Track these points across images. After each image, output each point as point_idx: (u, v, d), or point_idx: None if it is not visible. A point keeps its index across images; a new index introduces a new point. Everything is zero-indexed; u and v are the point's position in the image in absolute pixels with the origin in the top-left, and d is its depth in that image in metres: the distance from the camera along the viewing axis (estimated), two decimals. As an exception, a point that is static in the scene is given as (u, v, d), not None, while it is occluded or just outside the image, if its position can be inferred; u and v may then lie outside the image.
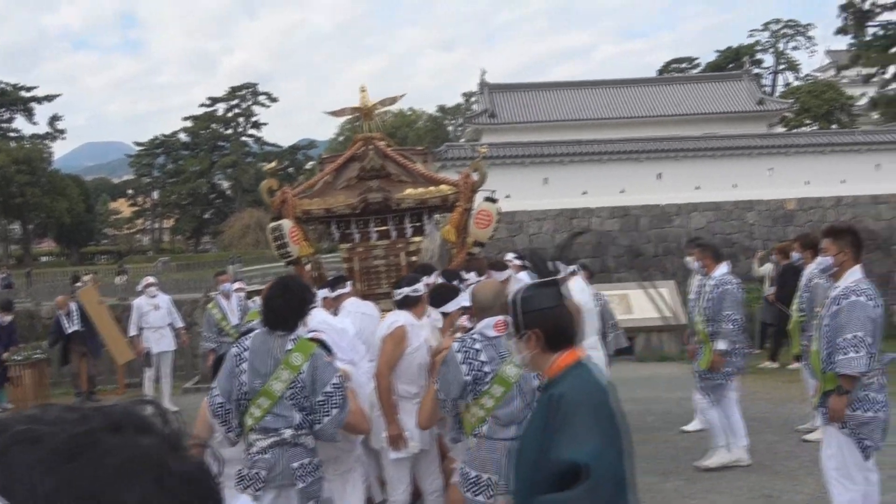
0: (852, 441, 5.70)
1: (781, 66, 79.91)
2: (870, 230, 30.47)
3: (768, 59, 79.88)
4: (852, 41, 47.32)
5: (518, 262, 13.58)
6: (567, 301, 3.39)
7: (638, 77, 53.72)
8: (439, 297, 6.37)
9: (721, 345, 8.71)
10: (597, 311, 9.33)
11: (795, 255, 11.86)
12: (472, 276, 7.96)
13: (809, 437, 9.51)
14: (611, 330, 9.58)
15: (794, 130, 48.10)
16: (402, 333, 6.13)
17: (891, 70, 46.86)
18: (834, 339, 5.65)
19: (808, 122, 54.57)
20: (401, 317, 6.27)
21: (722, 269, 9.07)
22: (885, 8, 45.51)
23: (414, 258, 8.51)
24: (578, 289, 8.20)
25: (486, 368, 4.67)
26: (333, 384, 4.78)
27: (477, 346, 4.74)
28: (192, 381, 16.53)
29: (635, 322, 16.17)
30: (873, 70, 47.70)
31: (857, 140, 31.54)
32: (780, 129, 48.25)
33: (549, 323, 3.29)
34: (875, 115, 55.58)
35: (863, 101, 58.61)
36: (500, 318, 4.77)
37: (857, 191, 30.85)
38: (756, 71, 72.93)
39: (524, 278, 12.03)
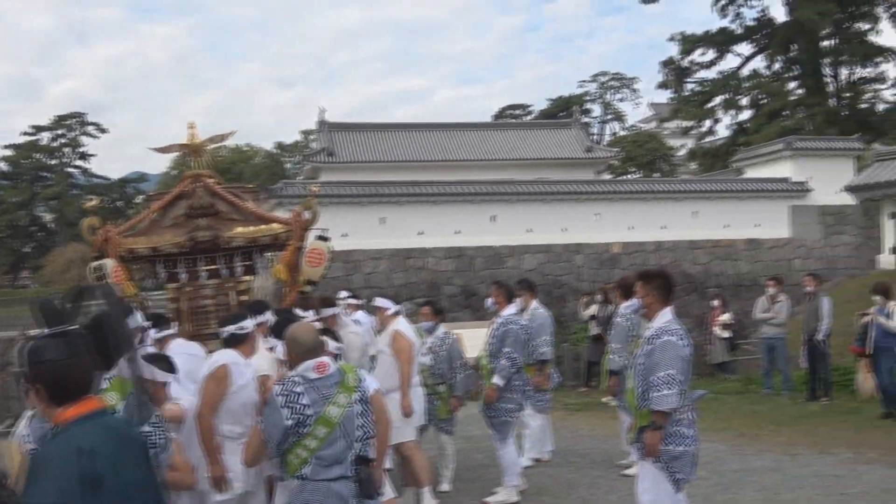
0: (665, 474, 6.00)
1: (609, 116, 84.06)
2: (687, 274, 32.32)
3: (597, 109, 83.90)
4: (672, 95, 50.59)
5: (353, 301, 13.62)
6: (81, 351, 3.07)
7: (474, 121, 55.17)
8: (284, 328, 6.37)
9: (496, 380, 8.97)
10: (444, 353, 9.51)
11: (634, 301, 12.38)
12: (308, 315, 7.96)
13: (628, 471, 9.95)
14: (459, 371, 9.64)
15: (620, 178, 50.47)
16: (223, 373, 6.02)
17: (706, 123, 50.32)
18: (648, 377, 5.97)
19: (632, 169, 57.46)
20: (223, 355, 6.17)
21: (510, 309, 9.36)
22: (702, 66, 48.93)
23: (244, 297, 8.40)
24: (403, 328, 8.38)
25: (309, 411, 4.65)
26: (152, 423, 4.59)
27: (298, 388, 4.71)
28: (3, 424, 15.49)
29: (469, 361, 16.48)
30: (691, 123, 51.08)
31: (677, 188, 33.40)
32: (607, 176, 50.57)
33: (52, 376, 3.03)
34: (693, 165, 59.43)
35: (682, 152, 62.49)
36: (322, 359, 4.80)
37: (676, 236, 32.64)
38: (585, 120, 76.28)
39: (361, 318, 12.09)
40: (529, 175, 40.86)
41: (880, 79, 50.67)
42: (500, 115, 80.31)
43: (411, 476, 8.58)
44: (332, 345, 6.34)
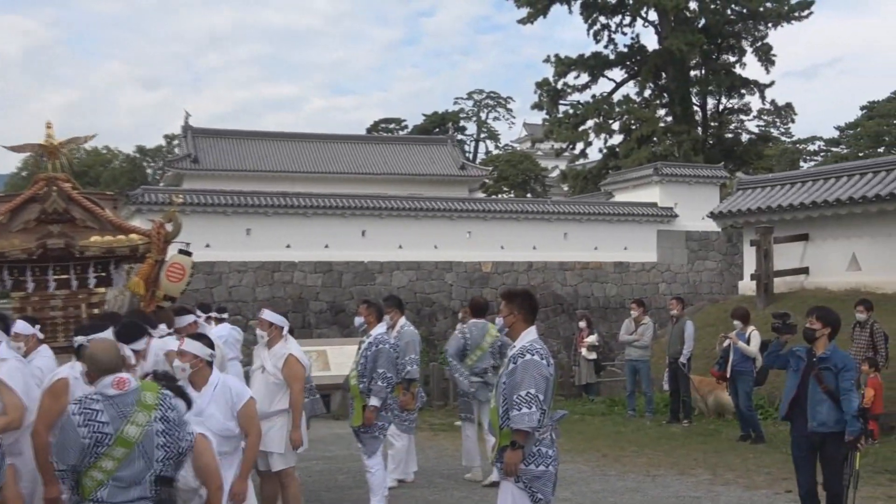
0: (525, 494, 6.11)
1: (483, 135, 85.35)
2: (556, 295, 33.12)
3: (471, 127, 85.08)
4: (546, 117, 51.79)
5: (216, 315, 13.36)
6: None
7: (347, 133, 55.09)
8: (127, 333, 6.22)
9: (373, 401, 9.05)
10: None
11: (499, 320, 12.49)
12: (161, 329, 7.77)
13: (491, 478, 10.11)
14: (308, 394, 9.52)
15: (493, 197, 51.28)
16: (62, 387, 5.80)
17: (579, 146, 51.72)
18: (510, 396, 6.09)
19: (505, 189, 58.45)
20: (65, 369, 5.96)
21: (380, 328, 9.44)
22: (576, 89, 50.26)
23: (96, 310, 8.12)
24: (297, 352, 8.09)
25: (107, 429, 4.50)
26: None
27: (96, 406, 4.56)
28: None
29: (332, 379, 16.38)
30: (564, 145, 52.42)
31: (548, 209, 34.22)
32: (480, 195, 51.31)
33: None
34: (565, 187, 61.01)
35: (554, 174, 64.07)
36: (121, 375, 4.70)
37: (547, 257, 33.43)
38: (459, 137, 77.32)
39: (223, 331, 11.87)
40: (402, 190, 41.05)
41: (745, 110, 53.35)
42: (374, 128, 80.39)
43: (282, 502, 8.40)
44: (205, 352, 6.26)
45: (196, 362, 6.19)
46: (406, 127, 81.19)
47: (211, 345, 6.46)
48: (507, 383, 6.15)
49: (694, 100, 50.32)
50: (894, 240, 18.56)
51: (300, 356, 8.12)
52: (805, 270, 20.71)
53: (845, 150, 71.87)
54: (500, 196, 54.49)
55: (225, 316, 14.06)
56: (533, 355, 6.10)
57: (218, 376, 6.36)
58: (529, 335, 6.29)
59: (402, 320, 10.86)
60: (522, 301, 6.37)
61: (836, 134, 75.81)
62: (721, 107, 52.32)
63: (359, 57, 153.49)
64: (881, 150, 67.61)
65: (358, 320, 9.82)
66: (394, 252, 31.67)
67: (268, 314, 8.29)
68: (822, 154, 76.08)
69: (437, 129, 72.49)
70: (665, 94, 49.23)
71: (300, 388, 8.03)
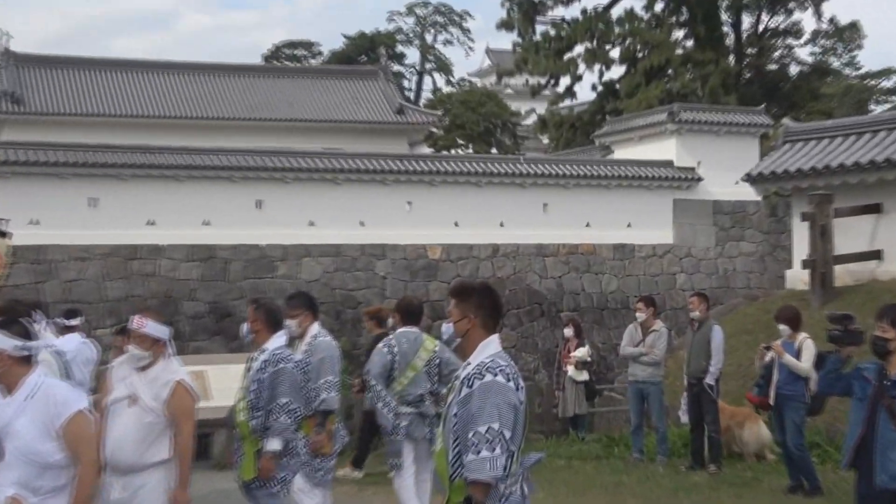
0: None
1: (430, 66, 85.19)
2: (533, 290, 33.24)
3: (413, 55, 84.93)
4: (518, 40, 51.81)
5: (68, 322, 13.09)
6: None
7: (237, 63, 54.51)
8: None
9: (271, 445, 8.95)
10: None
11: (447, 326, 12.37)
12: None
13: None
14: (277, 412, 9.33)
15: (443, 153, 51.22)
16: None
17: (564, 82, 51.79)
18: (464, 434, 5.91)
19: (461, 142, 58.40)
20: None
21: (277, 339, 9.31)
22: (559, 1, 50.37)
23: None
24: (186, 378, 7.81)
25: None
26: None
27: None
28: None
29: (214, 412, 15.67)
30: (543, 79, 52.41)
31: (521, 170, 34.22)
32: (426, 150, 51.23)
33: None
34: (544, 139, 60.89)
35: (530, 120, 64.07)
36: None
37: (520, 238, 33.44)
38: (396, 68, 77.15)
39: (71, 345, 11.57)
40: (314, 143, 40.75)
41: (794, 31, 53.94)
42: (275, 55, 79.84)
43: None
44: (9, 343, 6.16)
45: None
46: (320, 54, 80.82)
47: (26, 333, 6.34)
48: (458, 416, 5.98)
49: (724, 17, 50.75)
50: None
51: (191, 385, 7.84)
52: (877, 255, 21.03)
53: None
54: (453, 152, 54.41)
55: (76, 323, 13.70)
56: (495, 376, 5.94)
57: (39, 378, 6.26)
58: (489, 348, 6.16)
59: (315, 328, 10.66)
60: (480, 300, 6.24)
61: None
62: (761, 27, 52.85)
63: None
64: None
65: (244, 328, 9.64)
66: (303, 231, 31.46)
67: (148, 326, 7.72)
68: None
69: (365, 58, 72.19)
70: (684, 10, 49.56)
71: (191, 428, 7.73)
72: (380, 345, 10.98)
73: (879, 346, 7.43)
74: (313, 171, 31.97)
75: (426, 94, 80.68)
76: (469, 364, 6.15)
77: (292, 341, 9.89)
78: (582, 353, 20.59)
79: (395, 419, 10.71)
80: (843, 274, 20.99)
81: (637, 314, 16.88)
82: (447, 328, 6.33)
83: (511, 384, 5.96)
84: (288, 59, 78.55)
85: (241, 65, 54.06)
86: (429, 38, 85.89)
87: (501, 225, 33.44)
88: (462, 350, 6.31)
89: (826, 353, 13.69)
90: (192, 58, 54.75)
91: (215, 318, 30.19)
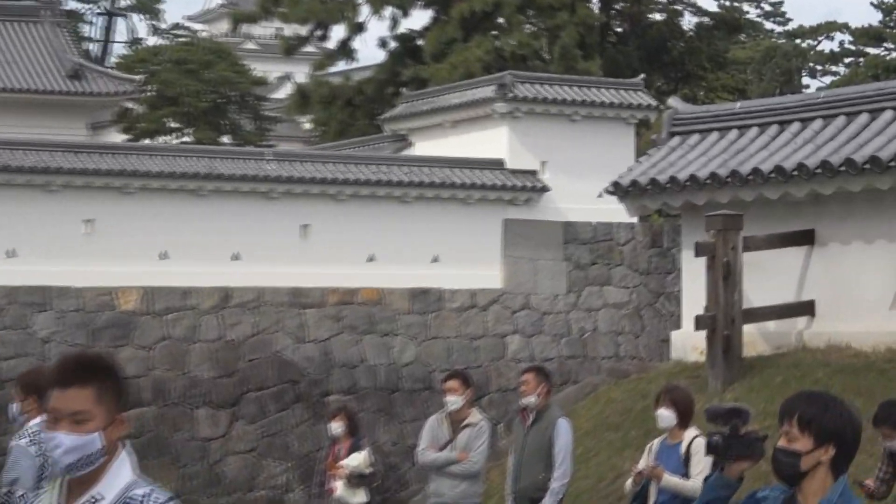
0: None
1: (125, 2, 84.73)
2: (284, 361, 33.32)
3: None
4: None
5: None
6: None
7: None
8: None
9: None
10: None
11: (14, 406, 12.35)
12: None
13: None
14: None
15: (144, 142, 50.91)
16: None
17: (336, 32, 52.23)
18: None
19: (175, 125, 58.24)
20: None
21: None
22: None
23: None
24: None
25: None
26: None
27: None
28: None
29: None
30: (302, 29, 52.63)
31: (267, 173, 34.29)
32: (118, 137, 50.85)
33: None
34: (305, 123, 61.15)
35: (283, 92, 64.11)
36: None
37: (265, 277, 33.46)
38: (72, 5, 76.42)
39: None
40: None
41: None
42: None
43: None
44: None
45: None
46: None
47: None
48: None
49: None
50: None
51: None
52: (809, 308, 21.64)
53: (895, 53, 76.04)
54: (161, 140, 54.13)
55: None
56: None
57: None
58: (123, 471, 5.56)
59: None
60: (112, 386, 5.72)
61: (875, 17, 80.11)
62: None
63: None
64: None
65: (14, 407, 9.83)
66: None
67: None
68: (846, 59, 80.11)
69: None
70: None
71: None
72: (21, 441, 10.90)
73: (786, 465, 6.51)
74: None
75: (119, 49, 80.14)
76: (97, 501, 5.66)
77: None
78: (358, 460, 20.71)
79: None
80: (756, 337, 21.52)
81: (446, 399, 17.03)
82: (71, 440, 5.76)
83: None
84: None
85: None
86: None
87: (235, 258, 33.42)
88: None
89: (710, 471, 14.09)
90: None
91: None
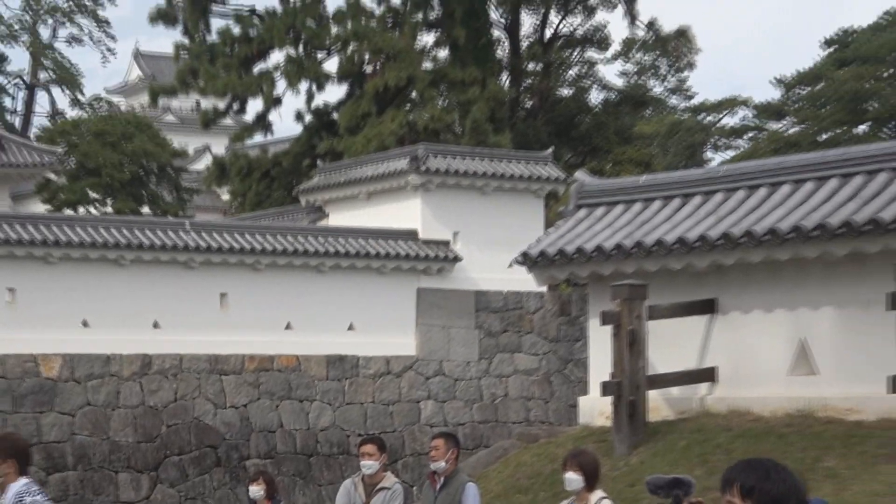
0: None
1: (46, 76, 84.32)
2: (204, 427, 33.33)
3: (19, 58, 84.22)
4: (183, 40, 51.97)
5: None
6: None
7: None
8: None
9: None
10: None
11: None
12: None
13: None
14: None
15: (66, 213, 50.60)
16: None
17: (253, 105, 52.27)
18: None
19: (95, 196, 57.98)
20: None
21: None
22: None
23: None
24: None
25: None
26: None
27: None
28: None
29: None
30: (222, 102, 52.61)
31: (187, 243, 34.34)
32: (39, 207, 50.57)
33: None
34: (222, 194, 61.02)
35: (200, 163, 63.87)
36: None
37: (184, 345, 33.52)
38: (-7, 78, 76.06)
39: None
40: None
41: (597, 39, 55.86)
42: None
43: None
44: None
45: None
46: None
47: None
48: None
49: (494, 16, 52.18)
50: (878, 313, 20.07)
51: None
52: (710, 374, 22.00)
53: (794, 128, 76.68)
54: (81, 210, 53.94)
55: None
56: None
57: None
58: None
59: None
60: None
61: (776, 94, 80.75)
62: (549, 32, 54.53)
63: None
64: (861, 128, 72.61)
65: None
66: None
67: None
68: (748, 133, 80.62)
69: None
70: (434, 2, 50.51)
71: None
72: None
73: None
74: None
75: (41, 120, 79.88)
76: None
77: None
78: (278, 524, 20.84)
79: None
80: (660, 403, 21.83)
81: (362, 463, 17.13)
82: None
83: None
84: None
85: None
86: (45, 31, 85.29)
87: (156, 326, 33.50)
88: None
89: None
90: None
91: None
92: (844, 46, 77.84)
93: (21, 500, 9.42)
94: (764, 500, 6.15)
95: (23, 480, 11.15)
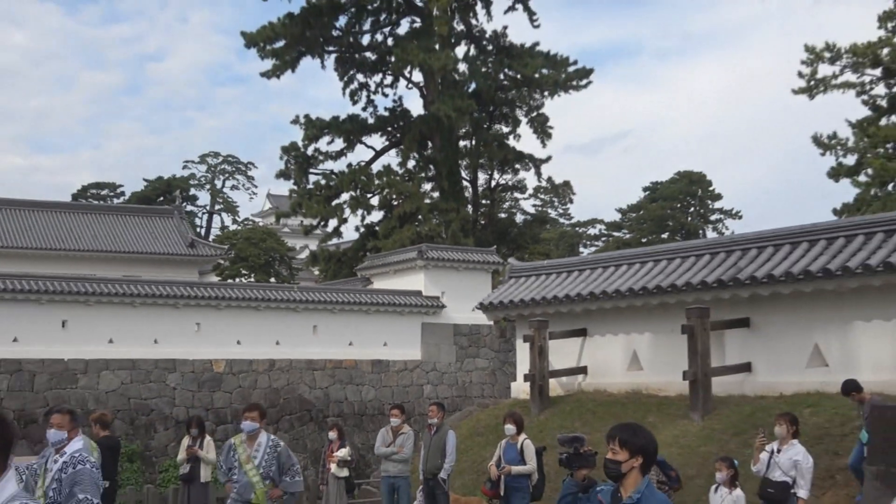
0: None
1: (218, 207, 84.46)
2: (304, 399, 33.04)
3: (204, 197, 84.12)
4: (294, 187, 51.99)
5: None
6: None
7: (47, 200, 52.77)
8: None
9: None
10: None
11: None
12: None
13: None
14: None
15: (228, 281, 50.63)
16: None
17: (332, 223, 52.18)
18: None
19: (244, 272, 57.93)
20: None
21: (76, 443, 8.70)
22: (329, 156, 51.01)
23: None
24: None
25: None
26: None
27: None
28: None
29: None
30: (315, 221, 52.74)
31: (295, 297, 34.22)
32: (213, 279, 50.55)
33: None
34: (315, 271, 61.14)
35: (303, 255, 64.21)
36: None
37: (293, 354, 33.31)
38: (189, 208, 76.31)
39: None
40: (114, 271, 39.79)
41: (520, 187, 56.15)
42: (82, 194, 77.77)
43: None
44: None
45: None
46: (122, 194, 79.16)
47: None
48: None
49: (464, 174, 52.40)
50: (676, 336, 19.90)
51: None
52: (583, 370, 21.79)
53: (628, 235, 77.29)
54: (237, 280, 53.91)
55: None
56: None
57: None
58: (8, 488, 4.08)
59: (78, 443, 9.55)
60: None
61: (617, 217, 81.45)
62: (494, 182, 54.78)
63: (65, 106, 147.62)
64: (665, 235, 73.18)
65: (56, 435, 8.90)
66: (102, 347, 30.46)
67: None
68: (603, 238, 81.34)
69: (162, 199, 71.15)
70: (431, 167, 50.86)
71: None
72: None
73: (612, 469, 6.31)
74: (113, 294, 31.13)
75: (215, 231, 79.92)
76: None
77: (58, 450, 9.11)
78: (343, 452, 20.42)
79: None
80: (556, 386, 21.64)
81: (391, 419, 16.97)
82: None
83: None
84: (94, 198, 76.59)
85: (49, 202, 52.26)
86: (218, 183, 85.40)
87: (277, 343, 33.26)
88: None
89: (542, 448, 14.22)
90: (5, 195, 52.56)
91: (21, 424, 28.70)
92: (654, 191, 78.46)
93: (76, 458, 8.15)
94: (633, 449, 6.16)
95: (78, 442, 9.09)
